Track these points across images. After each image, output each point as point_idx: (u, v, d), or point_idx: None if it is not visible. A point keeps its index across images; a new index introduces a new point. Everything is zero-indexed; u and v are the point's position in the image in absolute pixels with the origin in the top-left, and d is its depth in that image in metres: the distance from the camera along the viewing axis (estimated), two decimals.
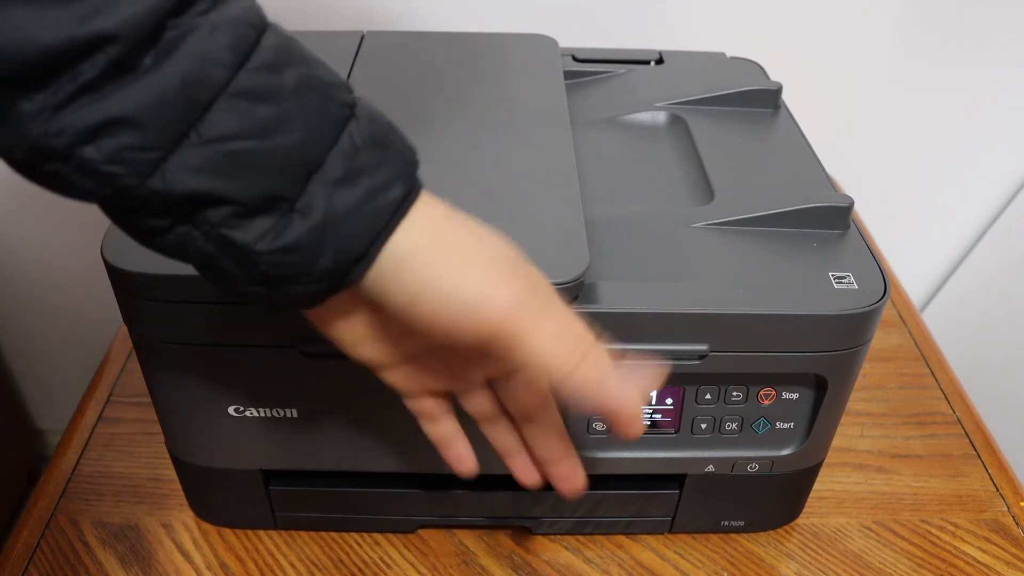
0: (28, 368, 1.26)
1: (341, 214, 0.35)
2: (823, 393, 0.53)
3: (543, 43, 0.69)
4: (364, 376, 0.51)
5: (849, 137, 1.00)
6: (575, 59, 0.72)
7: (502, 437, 0.46)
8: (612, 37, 0.90)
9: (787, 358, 0.51)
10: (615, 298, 0.48)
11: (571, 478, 0.46)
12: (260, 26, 0.34)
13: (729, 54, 0.74)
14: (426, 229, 0.37)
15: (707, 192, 0.57)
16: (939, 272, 1.10)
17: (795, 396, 0.54)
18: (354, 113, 0.36)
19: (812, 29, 0.92)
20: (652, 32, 0.91)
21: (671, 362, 0.50)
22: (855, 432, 0.70)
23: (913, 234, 1.07)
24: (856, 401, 0.72)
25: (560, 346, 0.37)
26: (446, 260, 0.36)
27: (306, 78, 0.34)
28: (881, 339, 0.78)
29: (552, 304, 0.38)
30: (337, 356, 0.50)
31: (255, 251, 0.34)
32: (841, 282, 0.51)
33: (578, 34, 0.85)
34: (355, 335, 0.41)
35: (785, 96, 0.67)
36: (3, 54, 0.28)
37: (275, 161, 0.33)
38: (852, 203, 0.54)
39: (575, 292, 0.47)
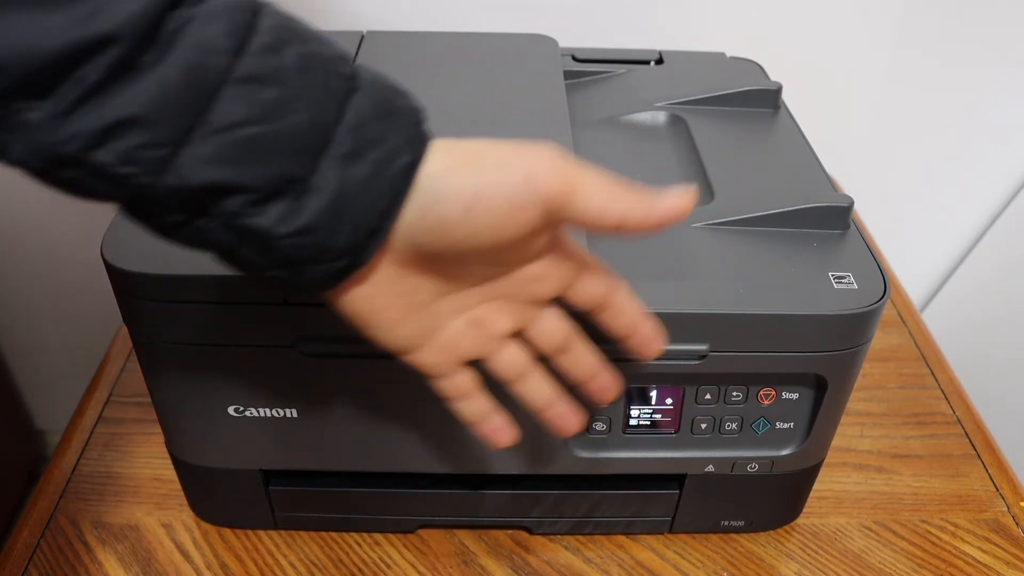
0: (28, 368, 1.26)
1: (353, 189, 0.35)
2: (823, 393, 0.53)
3: (543, 43, 0.69)
4: (364, 375, 0.52)
5: (849, 136, 1.00)
6: (575, 59, 0.72)
7: (540, 388, 0.45)
8: (612, 37, 0.90)
9: (787, 358, 0.51)
10: None
11: (611, 386, 0.46)
12: (254, 7, 0.34)
13: (729, 54, 0.74)
14: (452, 151, 0.37)
15: (707, 192, 0.57)
16: (939, 272, 1.11)
17: (795, 396, 0.54)
18: (357, 85, 0.36)
19: (812, 29, 0.92)
20: (652, 32, 0.91)
21: (671, 362, 0.50)
22: (855, 432, 0.70)
23: (913, 234, 1.07)
24: (856, 401, 0.72)
25: (609, 188, 0.38)
26: (482, 160, 0.37)
27: (307, 56, 0.34)
28: (881, 339, 0.78)
29: (579, 161, 0.38)
30: (337, 356, 0.50)
31: (274, 235, 0.34)
32: (841, 282, 0.51)
33: (578, 34, 0.84)
34: (391, 313, 0.40)
35: (785, 95, 0.67)
36: (4, 64, 0.28)
37: (285, 144, 0.33)
38: (852, 203, 0.54)
39: None
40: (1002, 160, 1.01)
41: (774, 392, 0.54)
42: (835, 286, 0.50)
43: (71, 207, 1.00)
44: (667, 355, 0.49)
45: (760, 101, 0.66)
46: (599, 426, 0.54)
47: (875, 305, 0.49)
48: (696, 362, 0.50)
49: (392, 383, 0.51)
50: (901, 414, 0.72)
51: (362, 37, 0.70)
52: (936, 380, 0.75)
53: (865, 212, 0.94)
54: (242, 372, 0.51)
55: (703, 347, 0.50)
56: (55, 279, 1.14)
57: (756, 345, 0.50)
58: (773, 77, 0.69)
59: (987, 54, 0.94)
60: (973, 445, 0.69)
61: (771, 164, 0.60)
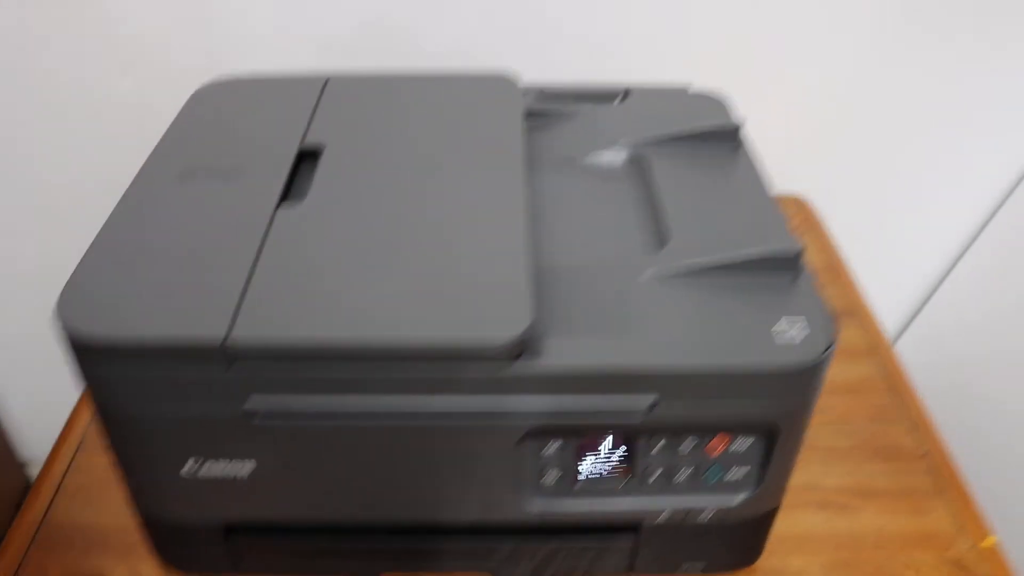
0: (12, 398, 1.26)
1: None
2: (775, 440, 0.53)
3: (504, 82, 0.69)
4: (319, 434, 0.52)
5: (824, 157, 0.99)
6: (540, 97, 0.72)
7: None
8: (582, 70, 0.90)
9: (736, 409, 0.51)
10: (560, 354, 0.49)
11: None
12: None
13: (699, 80, 0.74)
14: None
15: (661, 238, 0.57)
16: (915, 299, 1.10)
17: (748, 443, 0.54)
18: None
19: (785, 48, 0.92)
20: (622, 63, 0.91)
21: (619, 413, 0.50)
22: (820, 469, 0.70)
23: (891, 258, 1.06)
24: (822, 436, 0.72)
25: None
26: None
27: None
28: (850, 370, 0.78)
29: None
30: (288, 419, 0.50)
31: None
32: (789, 332, 0.51)
33: (549, 69, 0.85)
34: None
35: (757, 117, 0.67)
36: None
37: None
38: (802, 250, 0.54)
39: (517, 350, 0.47)
40: (982, 181, 1.01)
41: (726, 440, 0.54)
42: (783, 337, 0.50)
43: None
44: (613, 407, 0.50)
45: (721, 139, 0.67)
46: (551, 477, 0.55)
47: (821, 357, 0.50)
48: (643, 415, 0.50)
49: (346, 440, 0.52)
50: (867, 448, 0.72)
51: (326, 81, 0.70)
52: (903, 413, 0.75)
53: (843, 234, 0.94)
54: (198, 435, 0.52)
55: (649, 400, 0.50)
56: (38, 306, 1.14)
57: (703, 398, 0.50)
58: (744, 98, 0.69)
59: (967, 68, 0.93)
60: (939, 480, 0.69)
61: (727, 207, 0.60)
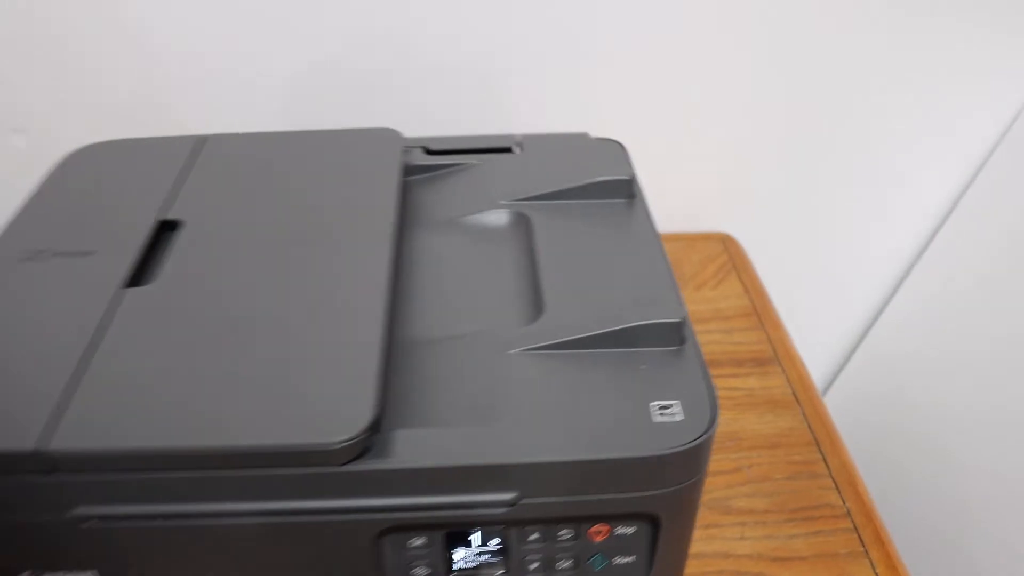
0: None
1: None
2: (659, 528, 0.49)
3: (384, 138, 0.66)
4: (162, 540, 0.48)
5: (753, 196, 0.96)
6: (427, 151, 0.68)
7: None
8: (485, 123, 0.86)
9: (609, 501, 0.47)
10: (411, 450, 0.45)
11: None
12: None
13: (618, 120, 0.70)
14: None
15: (537, 307, 0.53)
16: (849, 338, 1.07)
17: (631, 530, 0.50)
18: None
19: (707, 84, 0.88)
20: (525, 111, 0.87)
21: (477, 512, 0.46)
22: (735, 534, 0.66)
23: (820, 297, 1.03)
24: (739, 497, 0.68)
25: None
26: None
27: None
28: (771, 423, 0.74)
29: None
30: (122, 524, 0.46)
31: None
32: (665, 413, 0.47)
33: (444, 122, 0.81)
34: None
35: (670, 158, 0.63)
36: None
37: None
38: (684, 317, 0.51)
39: (354, 452, 0.43)
40: (909, 219, 0.98)
41: (607, 528, 0.50)
42: (658, 419, 0.47)
43: None
44: (472, 504, 0.46)
45: (612, 192, 0.63)
46: (421, 571, 0.51)
47: (699, 440, 0.46)
48: (505, 510, 0.46)
49: (191, 543, 0.47)
50: (786, 509, 0.68)
51: (205, 140, 0.67)
52: (828, 467, 0.71)
53: (772, 274, 0.91)
54: (27, 543, 0.47)
55: (510, 496, 0.46)
56: None
57: (572, 491, 0.46)
58: (653, 139, 0.66)
59: (894, 98, 0.90)
60: (862, 540, 0.65)
61: (612, 270, 0.56)
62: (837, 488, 0.69)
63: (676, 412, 0.47)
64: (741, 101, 0.88)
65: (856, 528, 0.66)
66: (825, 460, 0.71)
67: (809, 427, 0.74)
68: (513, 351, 0.50)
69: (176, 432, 0.43)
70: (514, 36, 0.82)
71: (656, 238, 0.59)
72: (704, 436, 0.46)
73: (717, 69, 0.86)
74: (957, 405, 0.87)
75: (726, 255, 0.92)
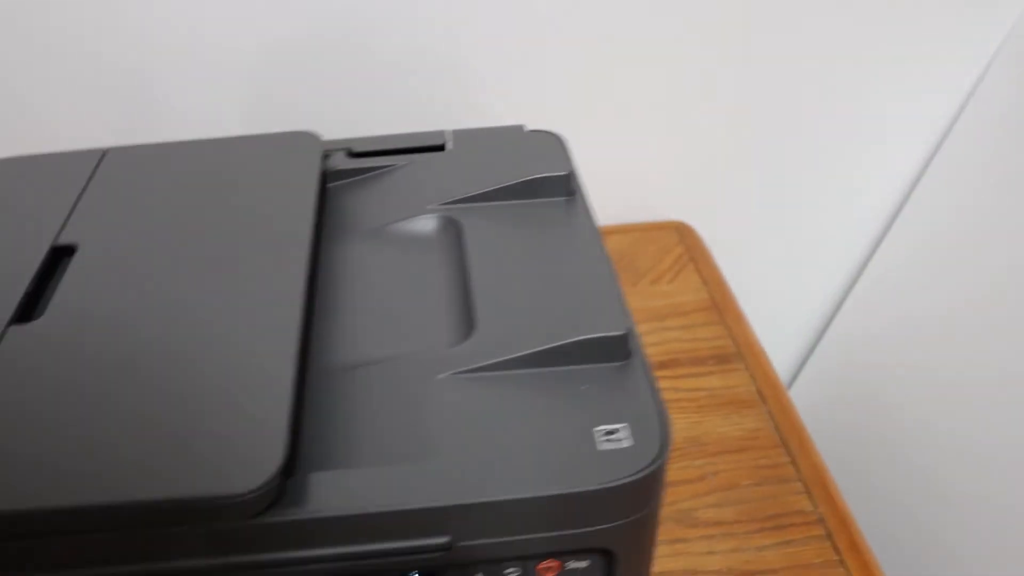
0: None
1: None
2: (614, 561, 0.45)
3: (300, 141, 0.60)
4: None
5: (708, 180, 0.91)
6: (351, 154, 0.63)
7: None
8: (414, 120, 0.81)
9: (554, 538, 0.42)
10: (328, 497, 0.40)
11: None
12: None
13: (564, 109, 0.65)
14: None
15: (468, 324, 0.48)
16: (812, 327, 1.03)
17: (584, 564, 0.46)
18: None
19: (655, 64, 0.83)
20: (465, 102, 0.82)
21: (409, 558, 0.41)
22: (703, 548, 0.62)
23: (781, 286, 0.98)
24: (705, 508, 0.64)
25: None
26: None
27: None
28: (736, 425, 0.70)
29: None
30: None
31: None
32: (611, 439, 0.42)
33: (371, 120, 0.76)
34: None
35: (620, 145, 0.58)
36: None
37: None
38: (629, 330, 0.46)
39: (269, 498, 0.38)
40: (872, 196, 0.93)
41: (557, 564, 0.45)
42: (603, 446, 0.42)
43: None
44: (399, 552, 0.41)
45: (550, 189, 0.58)
46: None
47: (650, 468, 0.41)
48: (440, 554, 0.41)
49: None
50: (756, 518, 0.63)
51: (103, 154, 0.61)
52: (797, 470, 0.67)
53: (726, 264, 0.86)
54: None
55: (443, 540, 0.41)
56: None
57: (511, 531, 0.41)
58: (599, 122, 0.61)
59: (853, 73, 0.86)
60: (836, 549, 0.61)
61: (549, 278, 0.51)
62: (808, 492, 0.65)
63: (623, 437, 0.42)
64: (693, 82, 0.83)
65: (830, 535, 0.62)
66: (795, 463, 0.67)
67: (776, 427, 0.70)
68: (442, 375, 0.45)
69: (56, 489, 0.38)
70: (455, 20, 0.77)
71: (598, 240, 0.54)
72: (655, 463, 0.41)
73: (667, 49, 0.81)
74: (931, 393, 0.83)
75: (682, 246, 0.87)
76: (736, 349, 0.76)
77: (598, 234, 0.54)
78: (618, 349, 0.46)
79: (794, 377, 1.05)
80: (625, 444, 0.42)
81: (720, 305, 0.81)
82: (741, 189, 0.91)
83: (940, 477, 0.81)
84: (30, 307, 0.49)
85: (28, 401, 0.42)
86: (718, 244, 0.88)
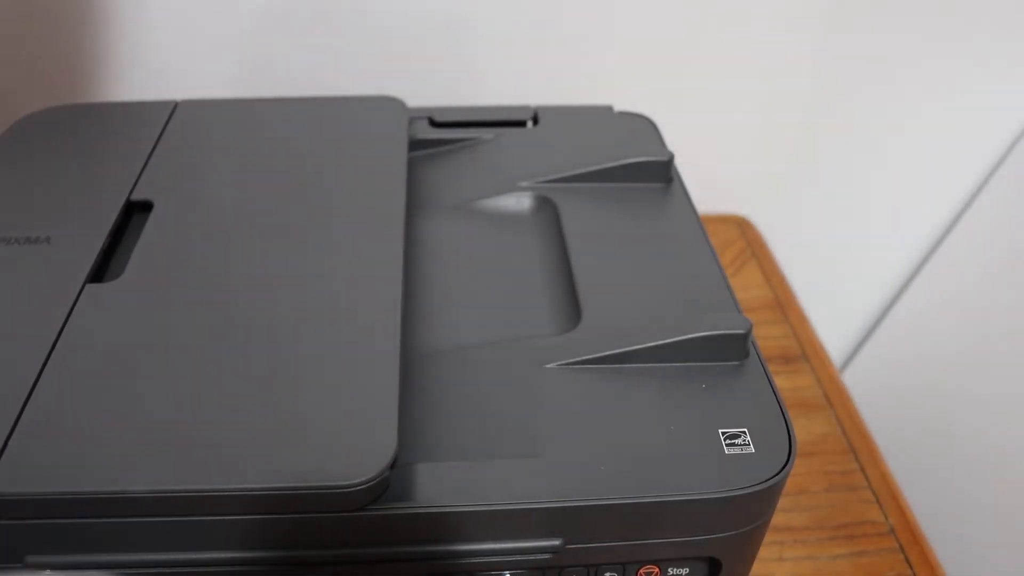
0: None
1: None
2: (718, 570, 0.43)
3: (386, 107, 0.57)
4: None
5: (768, 174, 0.89)
6: (432, 123, 0.60)
7: None
8: (494, 93, 0.78)
9: (663, 544, 0.40)
10: (435, 490, 0.37)
11: None
12: None
13: (630, 93, 0.63)
14: None
15: (573, 311, 0.46)
16: (864, 325, 1.00)
17: (684, 571, 0.43)
18: None
19: (724, 57, 0.80)
20: (538, 74, 0.79)
21: (516, 558, 0.39)
22: (773, 554, 0.59)
23: (837, 285, 0.96)
24: (776, 512, 0.62)
25: None
26: None
27: None
28: (804, 428, 0.68)
29: None
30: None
31: None
32: (734, 444, 0.40)
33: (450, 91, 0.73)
34: None
35: (693, 132, 0.55)
36: None
37: None
38: (750, 328, 0.44)
39: (375, 493, 0.36)
40: (933, 202, 0.91)
41: (657, 570, 0.43)
42: (725, 451, 0.40)
43: None
44: (508, 552, 0.39)
45: (647, 175, 0.55)
46: None
47: (774, 479, 0.39)
48: (548, 556, 0.39)
49: None
50: (827, 526, 0.61)
51: (175, 106, 0.58)
52: (866, 478, 0.65)
53: (789, 260, 0.84)
54: None
55: (555, 543, 0.39)
56: None
57: (624, 535, 0.39)
58: (676, 113, 0.58)
59: (924, 86, 0.83)
60: (909, 563, 0.59)
61: (654, 267, 0.49)
62: (878, 502, 0.63)
63: (746, 443, 0.40)
64: (769, 81, 0.80)
65: (902, 547, 0.60)
66: (863, 471, 0.65)
67: (844, 433, 0.68)
68: (549, 365, 0.43)
69: (139, 472, 0.35)
70: None
71: (701, 230, 0.52)
72: (782, 473, 0.39)
73: (734, 43, 0.78)
74: (981, 403, 0.81)
75: (744, 240, 0.85)
76: (801, 350, 0.74)
77: (700, 224, 0.52)
78: (737, 348, 0.43)
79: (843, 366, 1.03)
80: (750, 450, 0.39)
81: (784, 303, 0.78)
82: (804, 189, 0.89)
83: (989, 484, 0.79)
84: (104, 265, 0.47)
85: (114, 374, 0.39)
86: (779, 243, 0.86)
